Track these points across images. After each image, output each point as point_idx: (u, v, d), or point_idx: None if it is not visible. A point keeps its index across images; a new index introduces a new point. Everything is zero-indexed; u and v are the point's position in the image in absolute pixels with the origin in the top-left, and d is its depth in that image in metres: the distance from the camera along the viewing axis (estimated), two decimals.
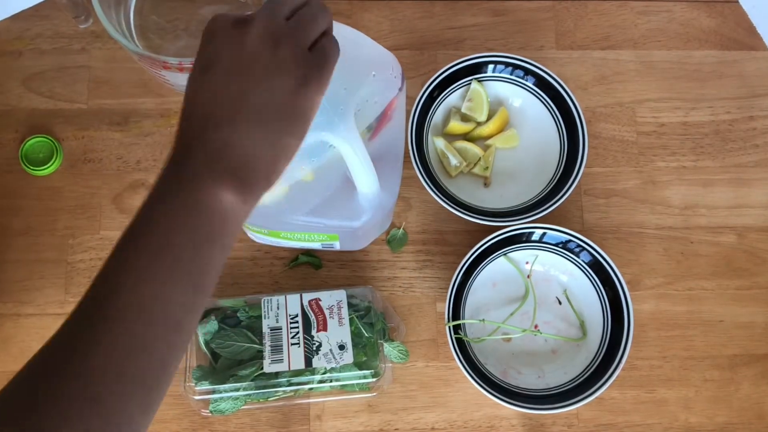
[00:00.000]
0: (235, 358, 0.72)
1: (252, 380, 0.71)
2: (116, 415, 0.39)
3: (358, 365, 0.72)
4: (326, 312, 0.73)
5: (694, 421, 0.78)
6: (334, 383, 0.73)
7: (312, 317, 0.72)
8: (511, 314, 0.78)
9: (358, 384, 0.73)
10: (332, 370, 0.71)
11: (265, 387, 0.71)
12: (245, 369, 0.71)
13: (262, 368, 0.70)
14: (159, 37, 0.82)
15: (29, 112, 0.83)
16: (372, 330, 0.73)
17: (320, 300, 0.73)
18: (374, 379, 0.72)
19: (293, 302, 0.73)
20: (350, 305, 0.74)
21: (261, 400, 0.73)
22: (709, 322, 0.81)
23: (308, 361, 0.70)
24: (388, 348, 0.74)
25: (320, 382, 0.72)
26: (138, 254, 0.42)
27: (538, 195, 0.81)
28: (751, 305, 0.82)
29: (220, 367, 0.72)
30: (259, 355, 0.71)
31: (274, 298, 0.74)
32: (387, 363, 0.74)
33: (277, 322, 0.72)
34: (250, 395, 0.71)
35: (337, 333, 0.72)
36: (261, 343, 0.71)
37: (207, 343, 0.72)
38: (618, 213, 0.83)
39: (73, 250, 0.79)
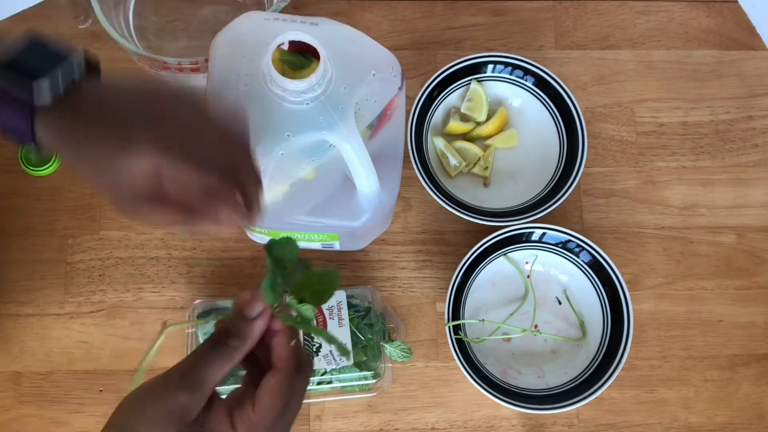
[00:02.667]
0: None
1: None
2: None
3: (358, 366, 0.72)
4: (326, 313, 0.73)
5: (694, 421, 0.78)
6: (334, 384, 0.73)
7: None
8: (511, 314, 0.78)
9: (358, 384, 0.73)
10: (332, 371, 0.71)
11: None
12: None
13: None
14: (158, 37, 0.82)
15: None
16: (372, 331, 0.73)
17: None
18: (374, 380, 0.72)
19: None
20: (350, 305, 0.74)
21: None
22: (709, 322, 0.81)
23: None
24: (389, 348, 0.74)
25: (320, 383, 0.72)
26: None
27: (538, 195, 0.81)
28: (750, 305, 0.82)
29: None
30: None
31: None
32: (387, 363, 0.74)
33: None
34: None
35: (337, 334, 0.71)
36: None
37: None
38: (617, 213, 0.83)
39: (73, 250, 0.79)
